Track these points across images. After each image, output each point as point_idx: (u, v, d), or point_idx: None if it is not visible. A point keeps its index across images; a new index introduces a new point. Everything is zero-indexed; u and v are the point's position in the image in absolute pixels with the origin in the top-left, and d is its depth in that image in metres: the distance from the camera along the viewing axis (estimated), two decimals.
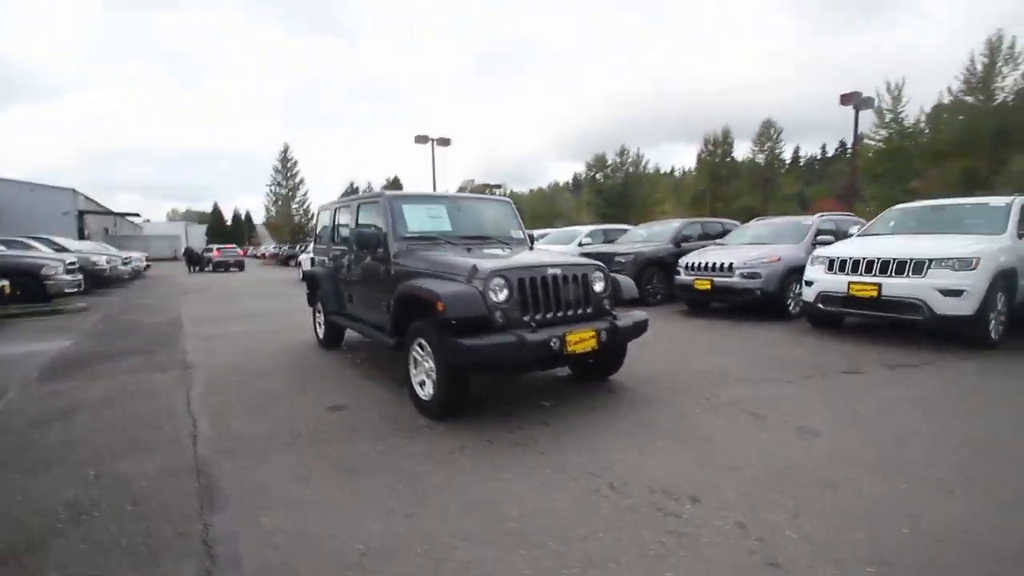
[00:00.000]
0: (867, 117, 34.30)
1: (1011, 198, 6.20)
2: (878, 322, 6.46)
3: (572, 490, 2.59)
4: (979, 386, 4.20)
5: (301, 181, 40.60)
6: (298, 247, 28.64)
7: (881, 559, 2.00)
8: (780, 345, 5.89)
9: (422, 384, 3.73)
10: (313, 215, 40.88)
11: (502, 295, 3.47)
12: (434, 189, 23.93)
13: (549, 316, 3.64)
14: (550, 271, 3.72)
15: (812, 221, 8.31)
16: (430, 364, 3.60)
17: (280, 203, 39.57)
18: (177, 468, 2.90)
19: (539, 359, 3.43)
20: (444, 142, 22.74)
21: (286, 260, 30.30)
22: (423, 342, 3.63)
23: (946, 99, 31.54)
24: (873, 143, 35.00)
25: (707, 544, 2.12)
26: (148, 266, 22.34)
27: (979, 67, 29.65)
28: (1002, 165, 28.48)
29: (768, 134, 41.53)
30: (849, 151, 70.48)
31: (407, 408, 3.83)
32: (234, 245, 32.99)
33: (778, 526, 2.23)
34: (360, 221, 5.09)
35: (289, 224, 38.26)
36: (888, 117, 34.21)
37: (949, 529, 2.19)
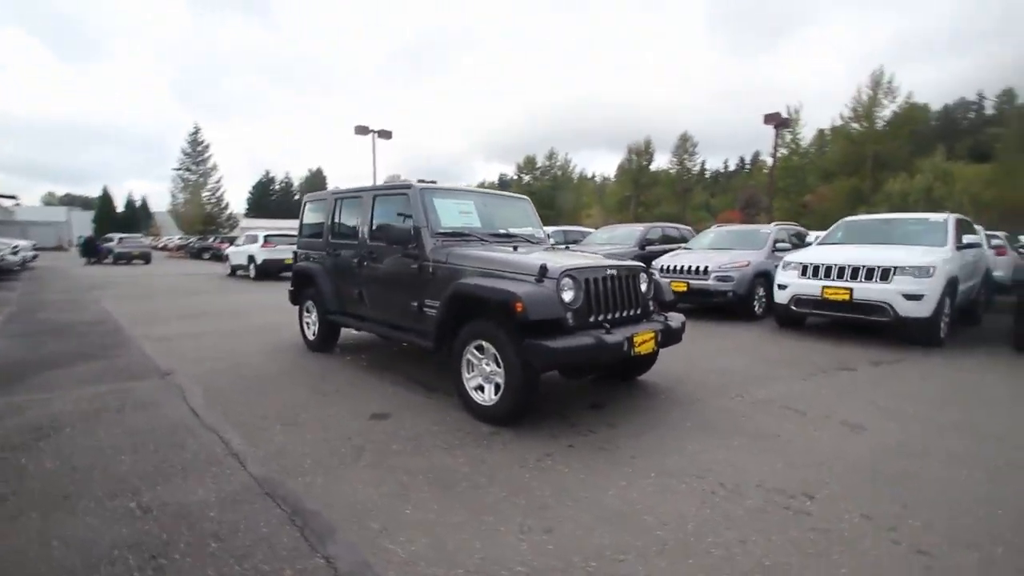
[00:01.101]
0: (767, 138, 37.91)
1: (945, 215, 7.12)
2: (839, 322, 7.12)
3: (690, 494, 2.58)
4: (956, 379, 4.76)
5: (214, 167, 37.15)
6: (213, 239, 26.18)
7: (1001, 539, 2.19)
8: (766, 344, 6.31)
9: (479, 389, 3.54)
10: (226, 204, 37.87)
11: (570, 295, 3.38)
12: (374, 183, 23.00)
13: (611, 317, 3.62)
14: (609, 271, 3.69)
15: (770, 230, 9.00)
16: (492, 367, 3.43)
17: (189, 190, 35.80)
18: (239, 493, 2.50)
19: (610, 360, 3.39)
20: (385, 135, 21.84)
21: (198, 253, 27.55)
22: (483, 344, 3.45)
23: (837, 124, 35.65)
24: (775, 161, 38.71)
25: (851, 538, 2.19)
26: (36, 255, 19.28)
27: (864, 98, 33.74)
28: (880, 185, 32.71)
29: (685, 147, 44.52)
30: (748, 167, 77.25)
31: (457, 414, 3.61)
32: (139, 235, 29.35)
33: (899, 516, 2.37)
34: (377, 215, 4.74)
35: (200, 213, 34.73)
36: (788, 138, 37.96)
37: None
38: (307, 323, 5.77)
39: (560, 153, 46.06)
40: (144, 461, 2.84)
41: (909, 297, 5.84)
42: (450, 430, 3.36)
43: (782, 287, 6.94)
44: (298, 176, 65.16)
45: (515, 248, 4.12)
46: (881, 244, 6.87)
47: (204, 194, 36.26)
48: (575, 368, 3.49)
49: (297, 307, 5.91)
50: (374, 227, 4.73)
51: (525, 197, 5.37)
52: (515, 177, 47.53)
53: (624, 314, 3.73)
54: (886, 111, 33.68)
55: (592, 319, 3.49)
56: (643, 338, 3.51)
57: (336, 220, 5.31)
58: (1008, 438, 3.35)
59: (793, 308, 6.80)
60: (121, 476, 2.66)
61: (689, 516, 2.36)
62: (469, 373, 3.61)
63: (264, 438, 3.19)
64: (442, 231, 4.21)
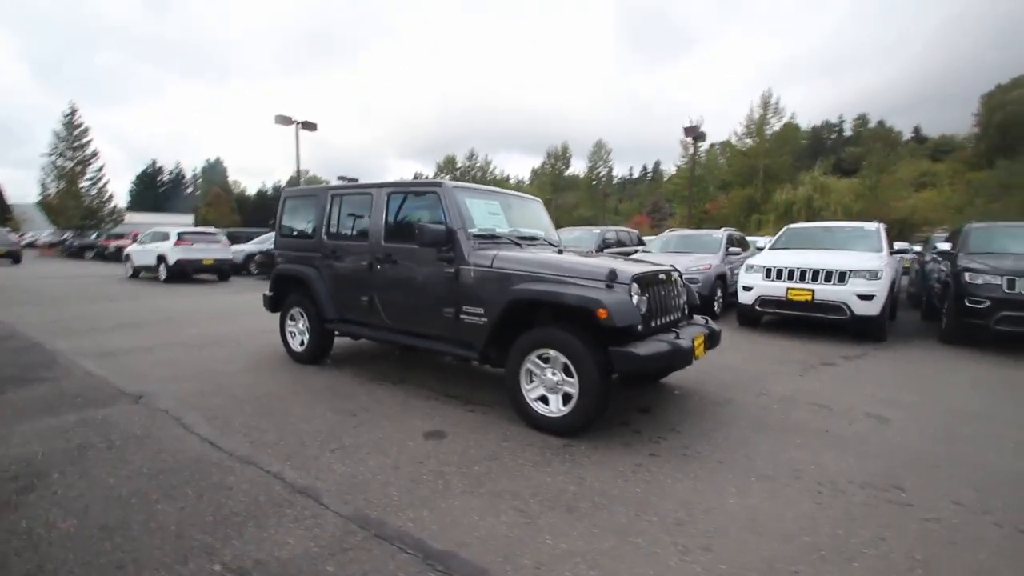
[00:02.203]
0: (668, 148, 40.67)
1: (876, 225, 8.06)
2: (788, 320, 7.79)
3: (800, 495, 2.63)
4: (917, 370, 5.37)
5: (95, 155, 32.07)
6: (96, 235, 22.77)
7: None
8: (743, 343, 6.70)
9: (543, 400, 3.37)
10: (110, 196, 32.93)
11: (640, 301, 3.33)
12: (297, 176, 21.27)
13: (665, 321, 3.62)
14: (661, 276, 3.70)
15: (721, 235, 9.64)
16: (559, 377, 3.28)
17: (64, 180, 30.58)
18: (342, 538, 2.14)
19: (682, 365, 3.38)
20: (309, 126, 20.29)
21: (79, 251, 23.81)
22: (550, 353, 3.29)
23: (732, 139, 39.25)
24: (678, 170, 41.79)
25: (961, 525, 2.36)
26: None
27: (755, 116, 37.43)
28: (770, 195, 36.51)
29: (600, 153, 46.57)
30: (651, 175, 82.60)
31: (514, 428, 3.42)
32: (8, 229, 24.52)
33: (980, 500, 2.59)
34: (393, 214, 4.36)
35: (78, 206, 29.83)
36: (691, 151, 41.10)
37: None
38: (291, 332, 5.17)
39: (480, 153, 46.11)
40: (193, 509, 2.34)
41: (863, 297, 6.52)
42: (521, 446, 3.15)
43: (747, 288, 7.44)
44: (191, 167, 58.84)
45: (560, 251, 3.99)
46: (828, 249, 7.62)
47: (83, 183, 31.27)
48: (653, 374, 3.43)
49: (278, 315, 5.27)
50: (389, 227, 4.35)
51: (537, 198, 5.24)
52: (436, 176, 46.77)
53: (672, 318, 3.76)
54: (774, 128, 37.70)
55: (653, 324, 3.47)
56: (699, 341, 3.56)
57: (333, 219, 4.81)
58: (998, 418, 3.82)
59: (757, 308, 7.32)
60: (177, 531, 2.17)
61: (818, 518, 2.40)
62: (529, 384, 3.43)
63: (319, 467, 2.78)
64: (477, 233, 3.96)
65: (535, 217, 4.90)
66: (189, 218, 42.12)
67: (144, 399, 3.88)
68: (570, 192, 44.46)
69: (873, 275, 6.58)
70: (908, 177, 40.05)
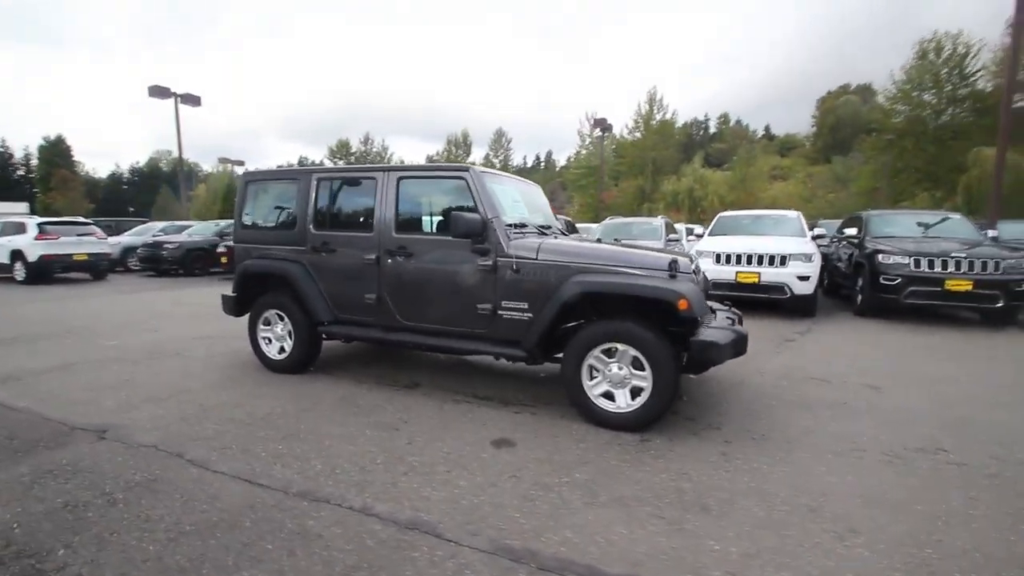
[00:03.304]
0: (560, 138, 42.19)
1: (796, 213, 9.01)
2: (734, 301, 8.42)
3: (880, 468, 2.80)
4: (867, 339, 6.08)
5: None
6: None
7: None
8: None
9: (607, 396, 3.25)
10: None
11: (699, 289, 3.34)
12: (179, 155, 18.45)
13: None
14: (693, 265, 3.75)
15: (659, 222, 10.15)
16: (626, 371, 3.18)
17: None
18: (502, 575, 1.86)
19: (742, 352, 3.43)
20: (192, 100, 17.58)
21: None
22: (618, 347, 3.17)
23: (625, 132, 41.60)
24: (576, 159, 43.46)
25: (1014, 478, 2.68)
26: None
27: (643, 111, 39.96)
28: (658, 185, 39.38)
29: (500, 142, 46.77)
30: (543, 164, 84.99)
31: (581, 427, 3.26)
32: None
33: (1010, 453, 2.96)
34: (404, 201, 3.89)
35: None
36: (587, 141, 42.89)
37: None
38: (265, 339, 4.45)
39: (377, 138, 43.91)
40: (298, 572, 1.88)
41: (801, 278, 7.25)
42: (599, 446, 3.01)
43: None
44: (22, 146, 48.65)
45: (598, 240, 3.85)
46: (758, 235, 8.36)
47: None
48: (717, 363, 3.41)
49: (249, 319, 4.51)
50: (403, 217, 3.89)
51: (536, 184, 5.02)
52: (331, 160, 43.67)
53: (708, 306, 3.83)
54: (659, 123, 40.61)
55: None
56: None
57: (322, 206, 4.18)
58: (964, 379, 4.44)
59: (710, 291, 7.84)
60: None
61: (910, 487, 2.58)
62: (590, 380, 3.28)
63: (407, 496, 2.40)
64: (509, 223, 3.68)
65: (539, 203, 4.70)
66: (23, 205, 34.87)
67: (110, 433, 3.09)
68: None
69: (808, 258, 7.34)
70: (766, 170, 45.60)
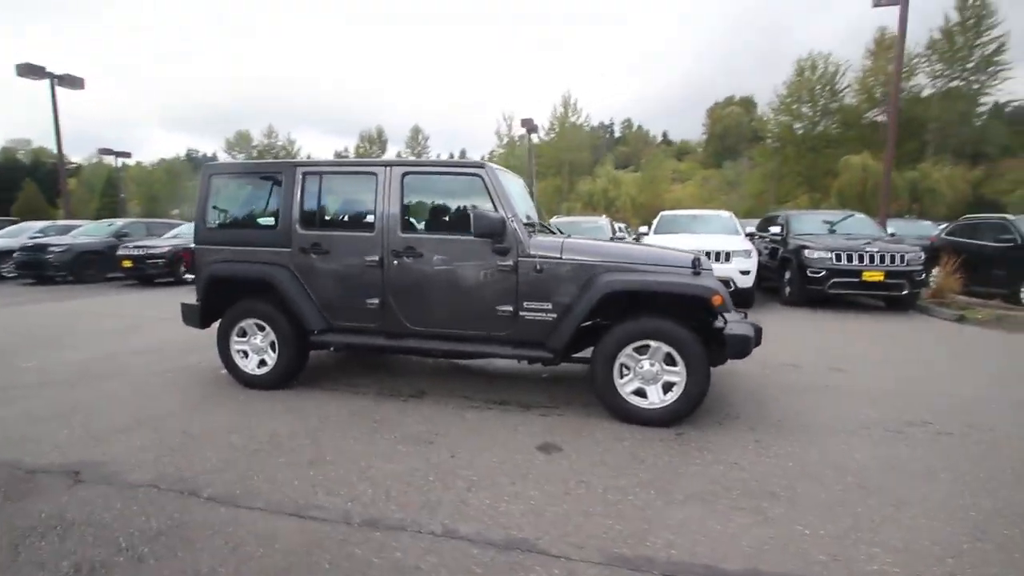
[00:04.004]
0: (470, 137, 42.65)
1: (729, 213, 9.74)
2: None
3: (890, 441, 3.09)
4: (807, 324, 6.71)
5: None
6: None
7: None
8: None
9: (639, 393, 3.28)
10: None
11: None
12: (59, 146, 15.80)
13: None
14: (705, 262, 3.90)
15: (605, 222, 10.47)
16: (658, 367, 3.24)
17: None
18: None
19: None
20: (72, 82, 15.05)
21: None
22: (651, 344, 3.21)
23: (543, 135, 42.53)
24: (495, 160, 43.86)
25: (996, 439, 3.09)
26: None
27: (559, 113, 41.19)
28: (574, 185, 40.80)
29: (417, 139, 45.80)
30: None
31: (610, 425, 3.26)
32: None
33: (975, 422, 3.41)
34: (411, 197, 3.65)
35: None
36: (506, 140, 43.37)
37: None
38: (240, 352, 3.96)
39: (282, 132, 41.00)
40: None
41: (743, 273, 7.85)
42: (641, 443, 3.02)
43: None
44: None
45: (611, 237, 3.85)
46: (699, 233, 8.93)
47: None
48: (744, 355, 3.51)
49: (219, 330, 3.97)
50: (410, 215, 3.64)
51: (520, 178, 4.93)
52: (228, 154, 39.97)
53: None
54: (574, 125, 42.10)
55: None
56: None
57: (310, 204, 3.79)
58: (909, 359, 5.05)
59: None
60: None
61: (921, 458, 2.87)
62: (621, 379, 3.29)
63: (486, 513, 2.25)
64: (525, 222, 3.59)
65: (528, 199, 4.64)
66: None
67: (87, 474, 2.58)
68: None
69: (748, 254, 7.97)
70: (668, 173, 49.00)
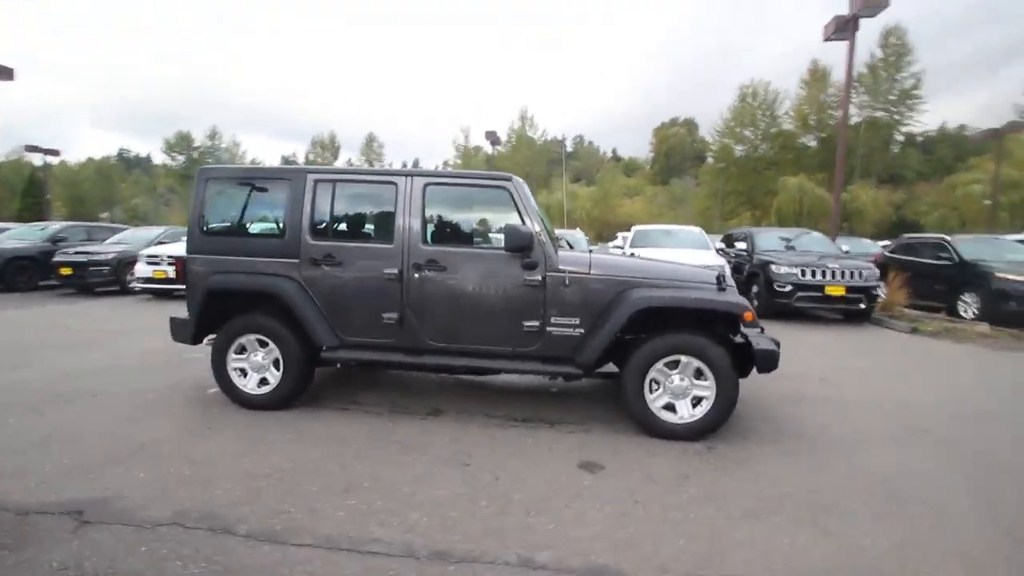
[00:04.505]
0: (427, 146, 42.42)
1: (699, 228, 10.11)
2: None
3: (911, 447, 3.26)
4: (788, 335, 7.00)
5: None
6: None
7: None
8: None
9: (668, 408, 3.29)
10: None
11: None
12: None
13: None
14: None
15: (580, 235, 10.61)
16: (688, 382, 3.27)
17: None
18: None
19: None
20: (1, 72, 13.57)
21: None
22: (681, 359, 3.23)
23: (500, 148, 42.83)
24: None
25: (989, 440, 3.32)
26: None
27: (516, 127, 41.68)
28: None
29: (371, 147, 44.94)
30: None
31: (639, 440, 3.26)
32: None
33: (972, 424, 3.66)
34: (433, 209, 3.53)
35: None
36: (462, 151, 43.36)
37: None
38: (237, 369, 3.66)
39: (226, 133, 39.02)
40: None
41: None
42: (680, 456, 3.03)
43: None
44: None
45: (632, 254, 3.87)
46: (674, 248, 9.21)
47: None
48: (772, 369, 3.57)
49: (214, 347, 3.65)
50: (433, 227, 3.52)
51: None
52: (165, 155, 37.52)
53: None
54: (532, 139, 42.74)
55: None
56: None
57: (322, 213, 3.58)
58: (889, 369, 5.36)
59: None
60: None
61: (935, 464, 3.02)
62: (651, 393, 3.30)
63: (552, 539, 2.16)
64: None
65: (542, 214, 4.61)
66: None
67: (92, 513, 2.27)
68: None
69: (722, 269, 8.28)
70: (620, 189, 50.58)
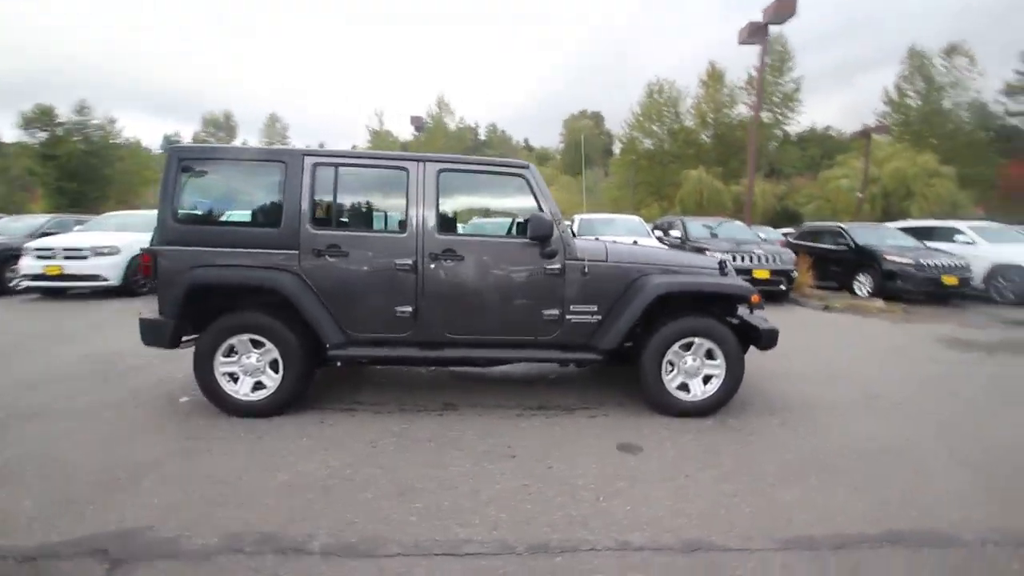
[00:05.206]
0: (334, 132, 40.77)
1: (638, 217, 10.61)
2: None
3: (898, 417, 3.72)
4: None
5: None
6: None
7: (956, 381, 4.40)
8: None
9: (683, 387, 3.48)
10: None
11: None
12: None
13: None
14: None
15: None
16: (699, 362, 3.48)
17: None
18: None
19: None
20: None
21: None
22: (694, 340, 3.43)
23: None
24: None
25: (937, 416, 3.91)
26: None
27: (434, 112, 40.79)
28: None
29: (275, 128, 41.65)
30: None
31: (660, 418, 3.42)
32: None
33: (928, 381, 4.26)
34: (448, 196, 3.38)
35: None
36: (375, 135, 41.72)
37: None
38: (227, 374, 3.29)
39: (98, 108, 33.91)
40: None
41: None
42: (703, 432, 3.22)
43: None
44: None
45: (635, 242, 3.99)
46: (617, 235, 9.61)
47: None
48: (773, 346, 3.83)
49: (197, 350, 3.24)
50: (448, 215, 3.38)
51: None
52: (21, 131, 31.76)
53: None
54: (451, 126, 42.09)
55: None
56: None
57: (325, 199, 3.29)
58: (821, 346, 6.02)
59: None
60: None
61: (915, 428, 3.49)
62: (668, 375, 3.46)
63: (632, 520, 2.22)
64: None
65: None
66: None
67: (120, 549, 1.96)
68: None
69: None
70: None
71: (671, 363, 3.46)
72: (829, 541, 2.10)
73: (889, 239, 10.50)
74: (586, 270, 3.43)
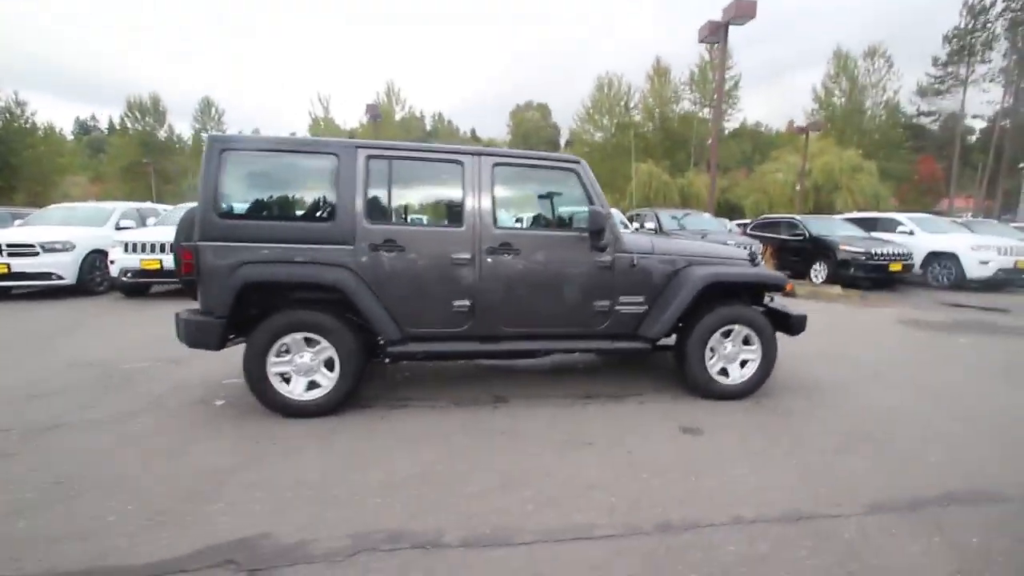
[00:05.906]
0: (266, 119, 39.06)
1: (614, 209, 10.86)
2: None
3: (900, 393, 4.09)
4: None
5: None
6: None
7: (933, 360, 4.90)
8: None
9: (723, 372, 3.69)
10: None
11: None
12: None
13: None
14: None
15: None
16: (737, 348, 3.70)
17: None
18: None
19: None
20: None
21: None
22: (734, 328, 3.64)
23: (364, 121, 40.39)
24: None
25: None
26: None
27: (382, 102, 39.69)
28: None
29: (209, 113, 39.02)
30: None
31: (702, 402, 3.61)
32: None
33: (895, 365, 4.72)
34: (503, 190, 3.39)
35: None
36: (321, 124, 40.13)
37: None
38: (280, 374, 3.16)
39: (7, 89, 30.42)
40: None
41: None
42: (749, 412, 3.44)
43: None
44: None
45: (669, 234, 4.14)
46: None
47: None
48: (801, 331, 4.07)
49: (248, 350, 3.08)
50: (504, 209, 3.38)
51: None
52: None
53: None
54: (397, 117, 41.09)
55: None
56: None
57: (380, 193, 3.20)
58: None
59: None
60: None
61: (913, 393, 3.90)
62: (711, 360, 3.66)
63: (727, 498, 2.38)
64: None
65: None
66: None
67: (246, 561, 1.88)
68: (176, 157, 35.33)
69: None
70: None
71: (712, 349, 3.66)
72: (905, 503, 2.34)
73: (840, 230, 11.37)
74: (635, 262, 3.55)
